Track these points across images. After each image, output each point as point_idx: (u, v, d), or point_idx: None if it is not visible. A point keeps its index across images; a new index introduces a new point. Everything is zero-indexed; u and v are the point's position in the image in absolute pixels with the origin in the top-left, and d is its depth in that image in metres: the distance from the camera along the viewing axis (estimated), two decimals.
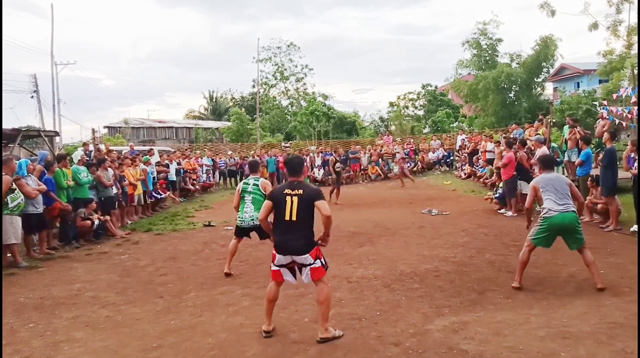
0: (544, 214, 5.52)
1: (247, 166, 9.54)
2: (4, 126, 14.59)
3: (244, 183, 6.74)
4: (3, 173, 7.52)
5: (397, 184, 18.56)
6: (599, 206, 9.22)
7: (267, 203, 4.50)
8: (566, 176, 12.33)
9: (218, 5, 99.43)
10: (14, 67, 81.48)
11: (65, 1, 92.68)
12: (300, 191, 4.33)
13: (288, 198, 4.31)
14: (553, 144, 12.57)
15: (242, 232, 6.76)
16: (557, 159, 11.99)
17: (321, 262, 4.42)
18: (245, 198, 6.61)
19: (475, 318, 4.72)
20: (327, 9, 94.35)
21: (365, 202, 14.55)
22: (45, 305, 5.67)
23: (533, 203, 5.97)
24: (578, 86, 35.16)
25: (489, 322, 4.58)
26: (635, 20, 15.63)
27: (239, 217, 6.65)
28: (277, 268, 4.42)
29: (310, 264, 4.33)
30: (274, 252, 4.42)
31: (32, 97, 29.71)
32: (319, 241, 4.46)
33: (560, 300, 5.15)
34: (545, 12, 17.82)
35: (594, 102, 20.43)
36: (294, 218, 4.28)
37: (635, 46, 17.19)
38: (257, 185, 6.61)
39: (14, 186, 7.53)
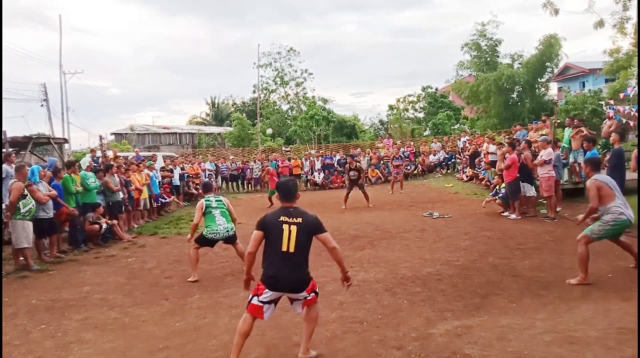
0: (618, 215, 5.69)
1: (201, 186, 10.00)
2: (16, 134, 14.90)
3: (206, 200, 7.11)
4: (16, 180, 7.77)
5: (397, 188, 18.55)
6: None
7: (257, 234, 3.96)
8: (572, 178, 12.50)
9: (219, 13, 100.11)
10: (25, 77, 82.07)
11: (73, 12, 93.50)
12: (300, 220, 3.89)
13: (285, 227, 3.85)
14: (564, 144, 12.40)
15: (208, 243, 7.06)
16: (564, 161, 11.87)
17: (315, 293, 4.04)
18: (213, 213, 7.00)
19: (478, 322, 4.66)
20: (326, 14, 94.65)
21: (366, 205, 14.42)
22: (56, 307, 5.86)
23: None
24: (583, 86, 34.81)
25: (493, 327, 4.52)
26: None
27: (212, 230, 6.92)
28: (260, 303, 3.89)
29: (305, 298, 3.96)
30: (261, 286, 3.90)
31: (42, 105, 30.27)
32: (344, 283, 4.11)
33: (567, 305, 5.05)
34: (548, 11, 17.54)
35: (601, 102, 19.86)
36: (291, 249, 3.82)
37: None
38: (220, 200, 7.20)
39: (26, 191, 7.77)
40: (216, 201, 7.15)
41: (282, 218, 3.91)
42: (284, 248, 3.83)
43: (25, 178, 7.90)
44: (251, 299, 3.95)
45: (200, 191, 17.98)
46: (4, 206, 8.04)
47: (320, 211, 13.43)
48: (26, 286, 6.92)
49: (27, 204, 7.75)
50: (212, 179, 20.09)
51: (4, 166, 8.91)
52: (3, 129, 14.14)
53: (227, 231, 7.01)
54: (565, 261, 6.66)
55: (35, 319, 5.42)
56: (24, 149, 15.98)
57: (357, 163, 14.89)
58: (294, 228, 3.86)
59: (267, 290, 3.86)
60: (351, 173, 14.30)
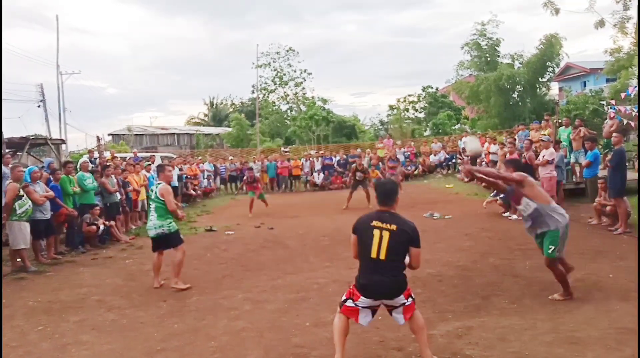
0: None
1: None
2: (13, 135, 14.91)
3: (150, 190, 6.62)
4: (10, 181, 7.73)
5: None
6: (608, 208, 8.99)
7: (353, 238, 3.86)
8: (575, 179, 12.45)
9: (217, 13, 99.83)
10: (22, 78, 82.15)
11: (70, 12, 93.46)
12: (394, 227, 3.65)
13: (377, 232, 3.64)
14: (563, 143, 12.39)
15: (154, 244, 6.52)
16: (565, 160, 11.82)
17: (412, 298, 3.82)
18: (150, 206, 6.49)
19: (479, 323, 4.65)
20: (326, 13, 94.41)
21: (365, 206, 14.48)
22: (53, 308, 5.81)
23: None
24: (584, 86, 34.62)
25: (494, 327, 4.50)
26: None
27: (147, 227, 6.56)
28: (355, 306, 3.73)
29: (403, 304, 3.73)
30: (355, 292, 3.73)
31: (39, 106, 30.32)
32: None
33: (567, 305, 5.04)
34: (549, 10, 17.55)
35: (602, 102, 19.74)
36: (382, 257, 3.61)
37: None
38: (156, 192, 6.34)
39: (22, 192, 7.72)
40: (155, 191, 6.37)
41: (374, 223, 3.70)
42: (374, 255, 3.64)
43: (20, 179, 7.86)
44: (345, 301, 3.79)
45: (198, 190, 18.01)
46: None
47: (320, 212, 13.68)
48: (23, 287, 6.86)
49: (24, 205, 7.69)
50: (210, 180, 20.10)
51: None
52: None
53: (156, 228, 6.29)
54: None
55: (32, 321, 5.38)
56: (20, 150, 15.98)
57: (363, 164, 15.01)
58: (385, 234, 3.63)
59: (361, 297, 3.69)
60: (357, 174, 14.34)
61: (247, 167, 17.75)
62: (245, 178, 14.86)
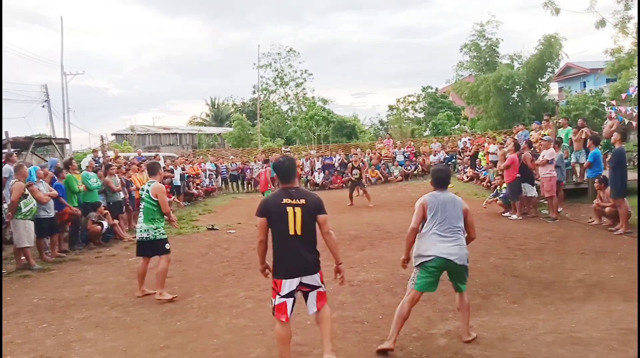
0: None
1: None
2: (17, 135, 15.04)
3: (141, 189, 6.07)
4: (16, 179, 7.80)
5: (398, 187, 18.67)
6: (607, 208, 8.99)
7: (261, 221, 3.82)
8: (575, 179, 12.40)
9: (218, 14, 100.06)
10: (26, 78, 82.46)
11: (73, 12, 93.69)
12: (303, 201, 3.74)
13: (289, 209, 3.69)
14: (564, 144, 12.39)
15: (138, 248, 6.09)
16: (566, 160, 11.81)
17: (324, 286, 3.93)
18: (141, 206, 6.03)
19: (480, 322, 4.64)
20: (326, 14, 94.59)
21: (366, 205, 14.44)
22: (57, 306, 5.89)
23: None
24: (584, 86, 34.63)
25: (495, 327, 4.51)
26: None
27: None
28: (283, 299, 3.73)
29: (318, 287, 3.83)
30: (277, 279, 3.78)
31: (43, 106, 30.61)
32: (336, 275, 4.03)
33: (569, 305, 5.02)
34: (549, 10, 17.48)
35: (602, 102, 19.71)
36: (299, 232, 3.71)
37: None
38: (148, 191, 5.87)
39: (27, 191, 7.80)
40: (146, 191, 5.91)
41: (285, 200, 3.73)
42: (292, 232, 3.71)
43: (25, 177, 7.95)
44: (274, 302, 3.81)
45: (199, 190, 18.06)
46: (5, 206, 8.07)
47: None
48: (28, 285, 6.94)
49: (28, 203, 7.78)
50: (212, 179, 20.17)
51: (7, 166, 8.94)
52: (5, 130, 14.22)
53: (141, 231, 5.86)
54: (566, 261, 6.65)
55: (36, 318, 5.45)
56: (25, 149, 16.15)
57: (361, 162, 15.00)
58: (298, 210, 3.71)
59: (284, 281, 3.73)
60: (354, 171, 14.39)
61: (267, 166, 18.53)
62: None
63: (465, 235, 4.36)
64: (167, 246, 6.01)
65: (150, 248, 5.95)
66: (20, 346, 4.62)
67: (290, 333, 3.86)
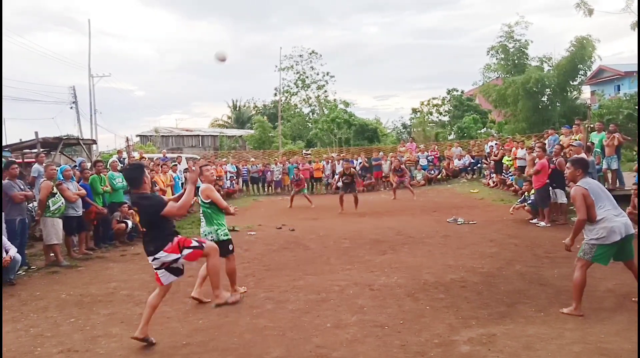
0: (600, 237, 4.83)
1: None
2: (47, 135, 15.45)
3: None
4: (44, 179, 8.06)
5: (421, 192, 18.45)
6: None
7: None
8: (607, 186, 12.10)
9: (241, 16, 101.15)
10: (55, 80, 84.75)
11: (100, 15, 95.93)
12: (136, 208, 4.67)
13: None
14: (596, 149, 12.06)
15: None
16: (597, 166, 11.52)
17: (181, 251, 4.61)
18: (200, 212, 6.04)
19: (504, 330, 4.53)
20: (348, 15, 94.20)
21: (387, 209, 14.42)
22: (84, 301, 6.05)
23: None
24: (618, 89, 33.66)
25: (519, 335, 4.39)
26: None
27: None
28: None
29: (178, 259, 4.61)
30: None
31: (71, 108, 31.53)
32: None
33: (598, 315, 4.86)
34: (582, 11, 16.90)
35: (637, 107, 19.18)
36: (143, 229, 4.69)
37: None
38: (198, 195, 5.88)
39: (55, 190, 8.04)
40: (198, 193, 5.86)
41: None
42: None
43: (52, 177, 8.19)
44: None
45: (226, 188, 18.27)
46: (36, 203, 8.35)
47: (340, 215, 13.70)
48: (56, 281, 7.16)
49: (57, 202, 8.03)
50: (233, 181, 20.37)
51: (36, 165, 9.25)
52: (34, 131, 14.65)
53: (205, 235, 5.87)
54: (595, 270, 6.35)
55: (65, 313, 5.61)
56: (54, 149, 16.57)
57: (352, 169, 15.15)
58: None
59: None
60: (344, 178, 14.51)
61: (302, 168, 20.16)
62: (292, 178, 16.92)
63: None
64: (231, 246, 5.97)
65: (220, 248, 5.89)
66: (50, 339, 4.77)
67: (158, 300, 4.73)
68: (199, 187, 5.89)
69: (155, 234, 4.58)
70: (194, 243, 4.73)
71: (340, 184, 14.95)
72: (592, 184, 5.05)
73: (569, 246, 5.12)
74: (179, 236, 4.70)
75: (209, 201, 5.86)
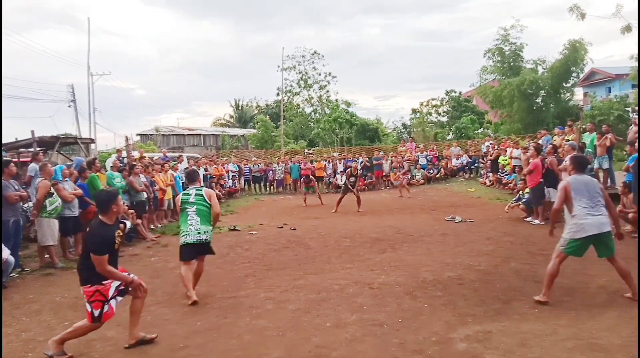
0: (573, 233, 5.19)
1: (185, 176, 8.29)
2: (44, 134, 15.31)
3: (184, 194, 6.10)
4: (42, 178, 7.95)
5: (419, 191, 18.55)
6: (631, 215, 8.76)
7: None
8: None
9: (243, 16, 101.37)
10: (53, 78, 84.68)
11: (101, 14, 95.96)
12: (88, 229, 4.52)
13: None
14: (588, 149, 12.16)
15: (188, 252, 5.98)
16: (589, 166, 11.66)
17: (92, 311, 4.31)
18: (188, 210, 5.92)
19: (500, 328, 4.61)
20: (350, 17, 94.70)
21: (387, 208, 14.55)
22: (79, 304, 5.84)
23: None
24: (609, 91, 34.63)
25: (514, 332, 4.47)
26: None
27: (183, 231, 5.94)
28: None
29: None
30: None
31: (69, 106, 31.22)
32: None
33: (590, 311, 4.96)
34: (575, 15, 17.27)
35: (627, 108, 19.88)
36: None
37: None
38: (201, 195, 5.98)
39: (52, 190, 7.93)
40: (195, 195, 5.98)
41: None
42: None
43: (50, 176, 8.08)
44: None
45: (222, 188, 18.19)
46: (30, 204, 8.23)
47: (341, 214, 13.64)
48: (51, 283, 7.05)
49: (54, 202, 7.91)
50: (235, 181, 20.33)
51: (33, 164, 9.13)
52: (31, 129, 14.54)
53: (199, 233, 5.86)
54: (588, 267, 6.50)
55: (59, 316, 5.51)
56: (51, 148, 16.43)
57: (358, 171, 15.36)
58: None
59: None
60: (351, 179, 14.54)
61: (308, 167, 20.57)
62: (302, 178, 17.31)
63: None
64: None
65: (205, 248, 6.03)
66: (42, 344, 4.64)
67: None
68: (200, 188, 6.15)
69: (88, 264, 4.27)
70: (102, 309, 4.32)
71: (341, 182, 15.17)
72: (578, 180, 5.33)
73: (549, 232, 5.62)
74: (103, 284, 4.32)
75: (210, 203, 6.00)
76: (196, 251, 5.98)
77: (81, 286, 4.32)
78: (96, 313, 4.25)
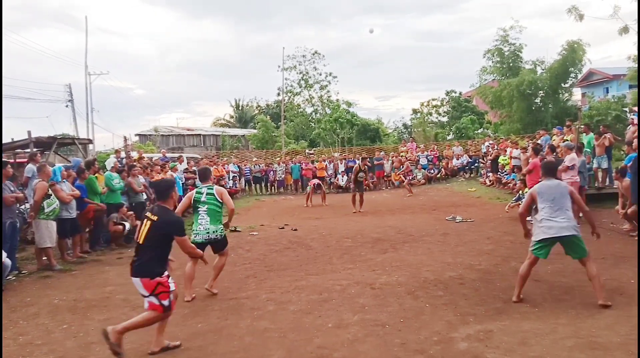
0: (535, 236, 5.50)
1: (198, 174, 8.37)
2: (40, 134, 15.20)
3: (197, 192, 6.16)
4: (39, 179, 7.87)
5: (420, 191, 18.55)
6: (630, 210, 8.79)
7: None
8: (597, 184, 12.15)
9: (244, 16, 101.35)
10: (50, 78, 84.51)
11: (99, 13, 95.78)
12: (156, 218, 4.36)
13: (146, 220, 4.40)
14: (586, 149, 12.23)
15: (199, 248, 5.80)
16: (588, 165, 11.67)
17: (159, 302, 4.33)
18: (199, 209, 6.01)
19: (500, 327, 4.64)
20: (351, 17, 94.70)
21: (388, 208, 14.54)
22: (78, 307, 5.88)
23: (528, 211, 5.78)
24: (607, 92, 35.03)
25: (515, 331, 4.50)
26: None
27: (194, 230, 6.03)
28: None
29: (145, 295, 4.36)
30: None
31: (66, 106, 30.90)
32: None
33: (589, 310, 4.99)
34: (573, 16, 17.38)
35: (625, 109, 20.02)
36: (140, 241, 4.40)
37: None
38: (212, 194, 6.06)
39: (50, 191, 7.85)
40: (207, 194, 6.05)
41: (147, 213, 4.50)
42: (139, 240, 4.42)
43: (48, 177, 8.00)
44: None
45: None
46: (27, 205, 8.16)
47: (343, 214, 13.60)
48: (49, 286, 6.97)
49: (51, 204, 7.83)
50: (235, 181, 20.26)
51: (30, 165, 9.05)
52: (27, 130, 14.44)
53: (208, 233, 5.97)
54: None
55: (57, 319, 5.45)
56: (48, 149, 16.30)
57: (367, 166, 15.25)
58: (148, 223, 4.36)
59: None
60: (360, 174, 14.40)
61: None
62: (313, 182, 17.15)
63: None
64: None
65: (214, 246, 6.15)
66: (40, 347, 4.60)
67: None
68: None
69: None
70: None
71: (342, 183, 14.99)
72: (545, 186, 5.56)
73: (524, 234, 5.94)
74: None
75: (221, 201, 6.13)
76: (211, 248, 6.12)
77: (139, 279, 4.38)
78: (165, 303, 4.34)
